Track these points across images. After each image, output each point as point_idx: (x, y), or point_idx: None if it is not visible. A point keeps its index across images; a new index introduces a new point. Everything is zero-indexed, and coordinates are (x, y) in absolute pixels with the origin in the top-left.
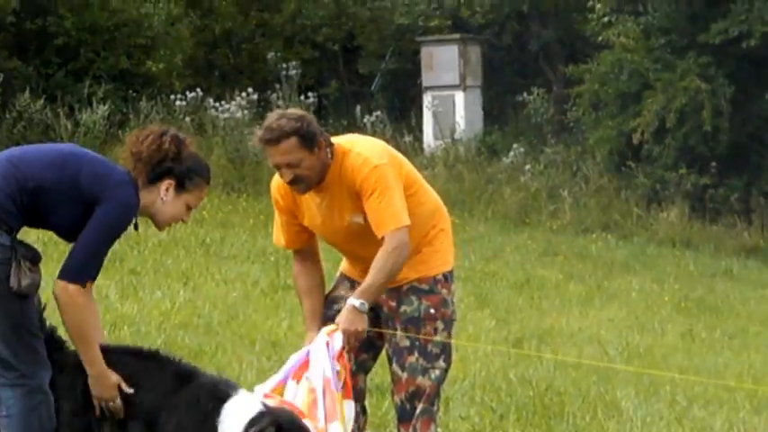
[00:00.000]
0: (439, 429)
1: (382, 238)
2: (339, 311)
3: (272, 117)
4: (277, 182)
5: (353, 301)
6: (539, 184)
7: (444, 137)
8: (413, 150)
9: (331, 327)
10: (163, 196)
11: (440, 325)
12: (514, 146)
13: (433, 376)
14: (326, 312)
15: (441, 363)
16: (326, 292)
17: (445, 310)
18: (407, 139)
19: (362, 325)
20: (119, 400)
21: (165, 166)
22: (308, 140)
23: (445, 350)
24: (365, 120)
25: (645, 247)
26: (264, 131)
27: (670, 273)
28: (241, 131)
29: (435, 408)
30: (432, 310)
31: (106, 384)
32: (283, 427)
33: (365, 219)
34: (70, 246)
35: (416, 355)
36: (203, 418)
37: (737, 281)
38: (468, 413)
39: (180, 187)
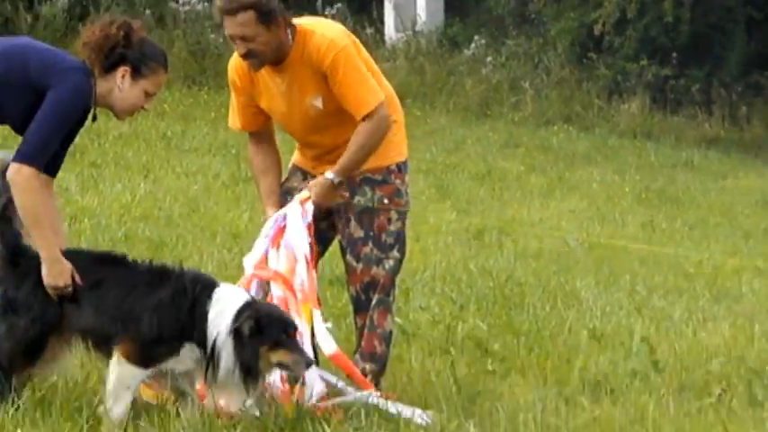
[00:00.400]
0: (397, 319)
1: (346, 125)
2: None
3: None
4: (235, 62)
5: (330, 175)
6: (500, 75)
7: (405, 29)
8: (374, 43)
9: (304, 194)
10: (119, 84)
11: (393, 215)
12: (476, 38)
13: (387, 266)
14: (283, 201)
15: (395, 253)
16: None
17: (399, 200)
18: (369, 31)
19: (334, 199)
20: (71, 290)
21: (117, 53)
22: (266, 16)
23: (399, 240)
24: (326, 12)
25: (606, 139)
26: (224, 0)
27: (631, 164)
28: (202, 24)
29: (391, 299)
30: (385, 200)
31: (59, 270)
32: (261, 322)
33: (324, 103)
34: None
35: (370, 245)
36: (192, 305)
37: (698, 171)
38: (428, 304)
39: (136, 73)
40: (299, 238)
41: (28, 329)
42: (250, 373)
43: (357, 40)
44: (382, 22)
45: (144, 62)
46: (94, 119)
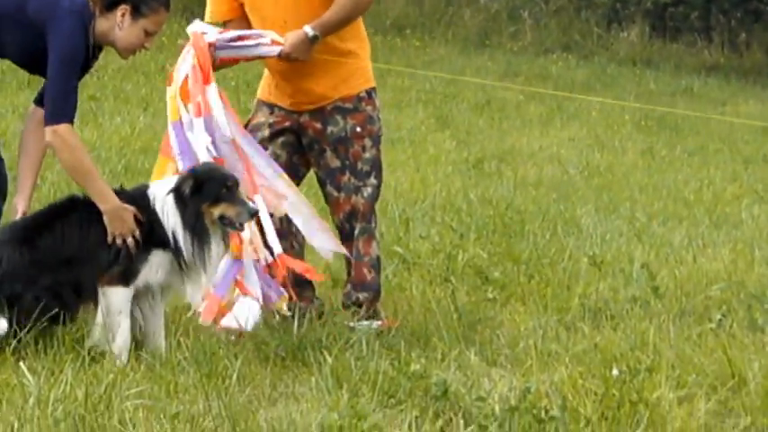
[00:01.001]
0: (397, 248)
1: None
2: (264, 138)
3: None
4: None
5: (308, 29)
6: (499, 5)
7: None
8: None
9: (277, 37)
10: (119, 23)
11: (367, 142)
12: None
13: (365, 194)
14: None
15: (372, 180)
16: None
17: (371, 127)
18: None
19: (306, 56)
20: (137, 232)
21: None
22: None
23: (375, 167)
24: None
25: (605, 67)
26: None
27: (630, 92)
28: None
29: (374, 225)
30: (358, 129)
31: (123, 216)
32: (199, 179)
33: None
34: (28, 75)
35: (348, 174)
36: (140, 207)
37: (698, 99)
38: (428, 233)
39: (136, 13)
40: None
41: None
42: (197, 233)
43: None
44: None
45: (144, 1)
46: (99, 51)
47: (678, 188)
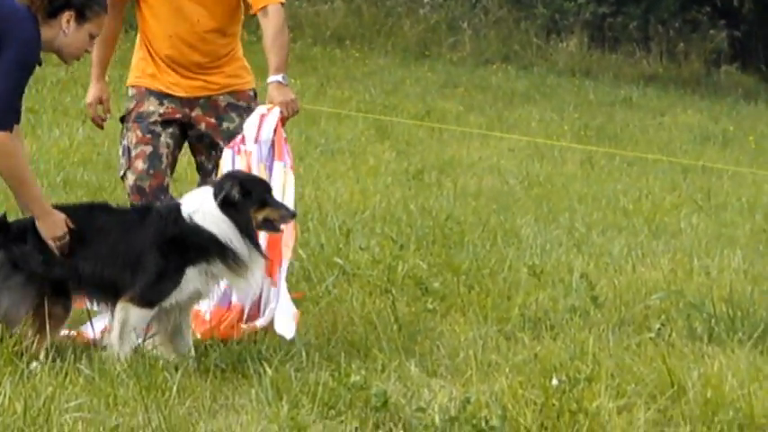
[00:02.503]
0: (337, 259)
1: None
2: (155, 123)
3: None
4: None
5: (275, 78)
6: (438, 16)
7: None
8: None
9: (266, 105)
10: (65, 29)
11: None
12: None
13: None
14: (141, 125)
15: None
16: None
17: None
18: None
19: (292, 95)
20: (68, 237)
21: None
22: None
23: None
24: None
25: (545, 78)
26: None
27: (570, 102)
28: None
29: None
30: None
31: (53, 221)
32: (245, 185)
33: None
34: None
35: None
36: (177, 227)
37: (637, 109)
38: (368, 244)
39: (80, 18)
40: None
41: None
42: (250, 237)
43: None
44: None
45: (88, 5)
46: (39, 63)
47: (617, 198)
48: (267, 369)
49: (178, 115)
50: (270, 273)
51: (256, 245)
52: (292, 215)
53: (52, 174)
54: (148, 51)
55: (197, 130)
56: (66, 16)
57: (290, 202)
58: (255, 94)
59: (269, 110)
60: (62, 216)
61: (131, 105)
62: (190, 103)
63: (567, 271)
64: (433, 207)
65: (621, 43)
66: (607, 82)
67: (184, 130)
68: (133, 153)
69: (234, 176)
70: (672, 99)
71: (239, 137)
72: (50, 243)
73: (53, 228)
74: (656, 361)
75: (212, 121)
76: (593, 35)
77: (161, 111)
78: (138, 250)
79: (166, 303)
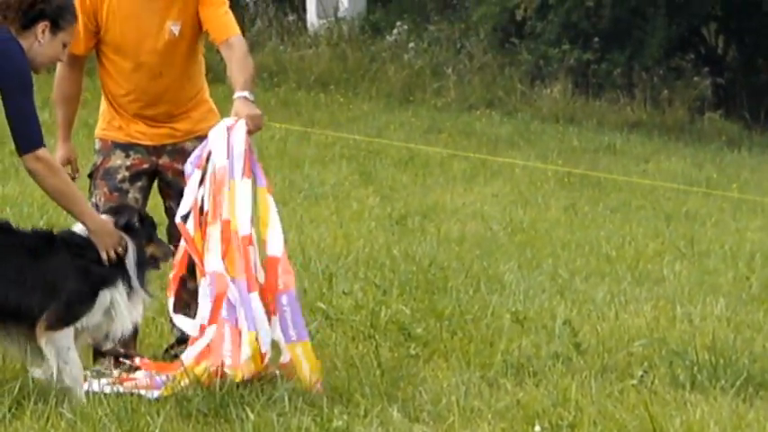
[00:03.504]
0: (320, 304)
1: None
2: (124, 179)
3: None
4: None
5: (241, 93)
6: (423, 61)
7: (328, 15)
8: (296, 30)
9: (231, 119)
10: (40, 39)
11: None
12: (398, 24)
13: None
14: (109, 183)
15: None
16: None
17: None
18: (291, 18)
19: (257, 110)
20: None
21: (37, 9)
22: None
23: None
24: None
25: (529, 124)
26: None
27: (554, 148)
28: None
29: None
30: None
31: (107, 232)
32: (140, 214)
33: (181, 29)
34: None
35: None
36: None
37: (620, 155)
38: (351, 289)
39: (55, 27)
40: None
41: None
42: (142, 267)
43: None
44: (304, 9)
45: (61, 15)
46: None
47: (600, 244)
48: (250, 414)
49: (145, 165)
50: (266, 300)
51: (144, 277)
52: (171, 255)
53: (35, 216)
54: (111, 104)
55: (164, 177)
56: (42, 26)
57: (275, 228)
58: None
59: (235, 122)
60: (112, 225)
61: (98, 161)
62: (156, 150)
63: (550, 317)
64: (416, 252)
65: (605, 90)
66: (591, 128)
67: (153, 178)
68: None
69: (132, 207)
70: (656, 146)
71: (204, 151)
72: (106, 255)
73: (108, 239)
74: (638, 408)
75: (179, 167)
76: (577, 81)
77: (128, 164)
78: (46, 274)
79: (79, 326)
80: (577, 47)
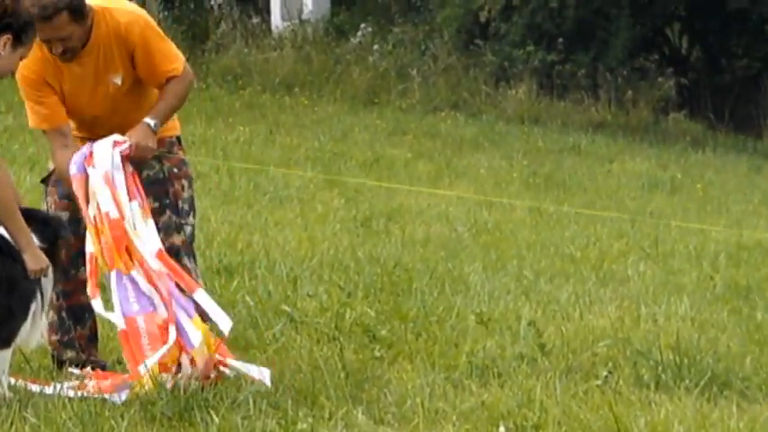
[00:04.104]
0: (285, 307)
1: (166, 78)
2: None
3: None
4: (33, 59)
5: (148, 120)
6: (387, 63)
7: (292, 18)
8: (261, 32)
9: (120, 137)
10: (0, 51)
11: (185, 183)
12: (362, 26)
13: (186, 232)
14: (59, 190)
15: (191, 219)
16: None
17: (186, 170)
18: (255, 20)
19: (153, 143)
20: (49, 269)
21: (3, 22)
22: (78, 13)
23: (193, 207)
24: (212, 1)
25: (494, 125)
26: (36, 8)
27: (519, 149)
28: None
29: (196, 265)
30: (175, 170)
31: (39, 254)
32: None
33: (123, 79)
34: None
35: (168, 213)
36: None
37: (585, 156)
38: (316, 291)
39: (17, 41)
40: (107, 161)
41: None
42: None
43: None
44: (268, 12)
45: (25, 31)
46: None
47: (565, 245)
48: (214, 417)
49: None
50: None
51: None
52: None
53: None
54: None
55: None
56: (4, 39)
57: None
58: (179, 140)
59: (123, 142)
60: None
61: (51, 167)
62: None
63: (515, 318)
64: (380, 254)
65: (570, 91)
66: (555, 129)
67: None
68: None
69: (57, 219)
70: (620, 146)
71: (87, 152)
72: (33, 275)
73: (38, 260)
74: (603, 408)
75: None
76: (541, 83)
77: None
78: None
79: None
80: (542, 48)
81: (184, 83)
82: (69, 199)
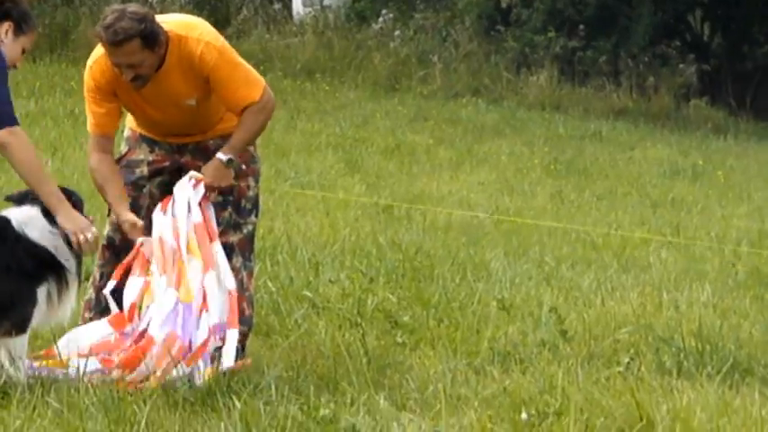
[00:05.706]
0: (306, 292)
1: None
2: (143, 176)
3: (112, 16)
4: (101, 67)
5: (222, 156)
6: (408, 49)
7: (313, 4)
8: (282, 18)
9: (197, 174)
10: (2, 38)
11: (251, 181)
12: (384, 12)
13: (245, 231)
14: (127, 174)
15: (252, 218)
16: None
17: (254, 166)
18: (276, 6)
19: (229, 180)
20: (95, 231)
21: (4, 8)
22: (150, 40)
23: (256, 205)
24: None
25: (515, 111)
26: (107, 33)
27: (540, 136)
28: (108, 3)
29: (254, 263)
30: (243, 167)
31: (75, 214)
32: None
33: (198, 101)
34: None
35: (230, 210)
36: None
37: (606, 142)
38: (338, 277)
39: (18, 30)
40: (185, 208)
41: None
42: (79, 258)
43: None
44: None
45: (24, 19)
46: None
47: (587, 232)
48: (236, 402)
49: (167, 162)
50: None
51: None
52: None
53: None
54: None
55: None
56: (6, 26)
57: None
58: None
59: (196, 183)
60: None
61: (124, 150)
62: (180, 148)
63: (537, 305)
64: (402, 240)
65: (591, 77)
66: (577, 116)
67: (175, 174)
68: None
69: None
70: (641, 133)
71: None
72: (75, 238)
73: (74, 221)
74: (624, 395)
75: (201, 164)
76: (563, 69)
77: (150, 159)
78: None
79: (34, 323)
80: (563, 34)
81: (262, 112)
82: (135, 186)
